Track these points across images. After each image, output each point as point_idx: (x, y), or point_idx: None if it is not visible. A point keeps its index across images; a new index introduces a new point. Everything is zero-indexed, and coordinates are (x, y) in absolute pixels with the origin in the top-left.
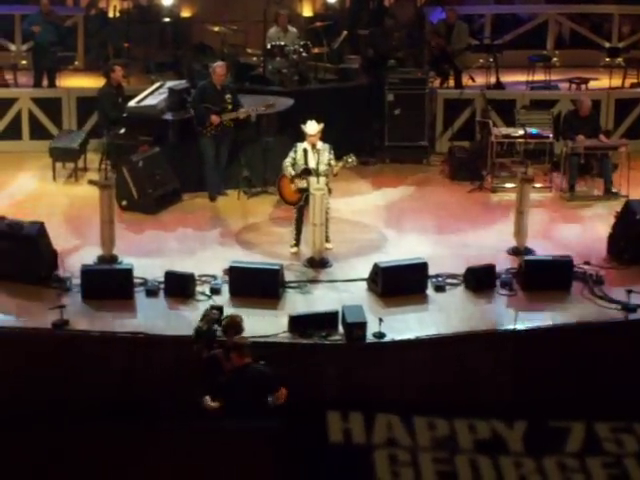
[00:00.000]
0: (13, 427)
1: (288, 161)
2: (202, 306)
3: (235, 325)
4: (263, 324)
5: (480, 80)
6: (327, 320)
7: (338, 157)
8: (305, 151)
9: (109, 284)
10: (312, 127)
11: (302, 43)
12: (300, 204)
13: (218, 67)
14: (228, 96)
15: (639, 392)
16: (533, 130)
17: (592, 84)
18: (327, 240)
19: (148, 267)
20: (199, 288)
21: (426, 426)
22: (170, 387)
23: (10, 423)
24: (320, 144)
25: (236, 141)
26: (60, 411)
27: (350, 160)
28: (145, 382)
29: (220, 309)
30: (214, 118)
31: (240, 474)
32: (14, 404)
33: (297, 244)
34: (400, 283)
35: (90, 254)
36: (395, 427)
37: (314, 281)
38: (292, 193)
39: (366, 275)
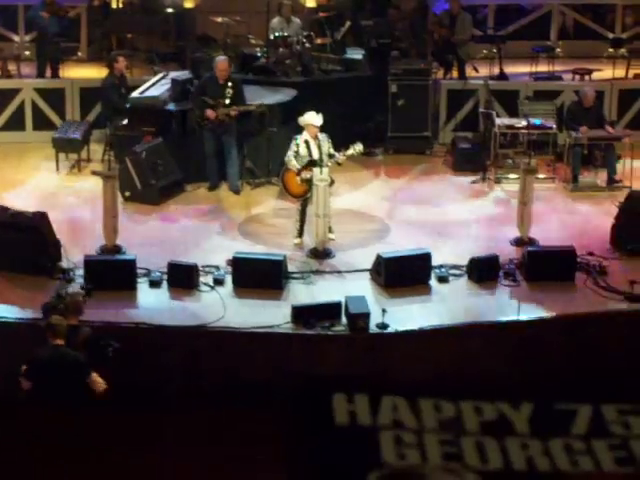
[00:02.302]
0: (19, 417)
1: (290, 154)
2: (205, 297)
3: (73, 305)
4: (266, 315)
5: (483, 71)
6: (330, 311)
7: (340, 148)
8: (307, 142)
9: (112, 275)
10: (317, 118)
11: (305, 34)
12: (307, 196)
13: (220, 62)
14: (229, 91)
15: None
16: (536, 121)
17: (596, 75)
18: (330, 231)
19: (151, 258)
20: (202, 279)
21: (432, 408)
22: (173, 377)
23: (15, 413)
24: (319, 134)
25: (239, 132)
26: (62, 400)
27: (358, 149)
28: (148, 372)
29: (88, 290)
30: (209, 112)
31: (246, 457)
32: (18, 394)
33: (300, 235)
34: (403, 274)
35: (93, 245)
36: (401, 409)
37: (317, 272)
38: (298, 186)
39: (369, 266)
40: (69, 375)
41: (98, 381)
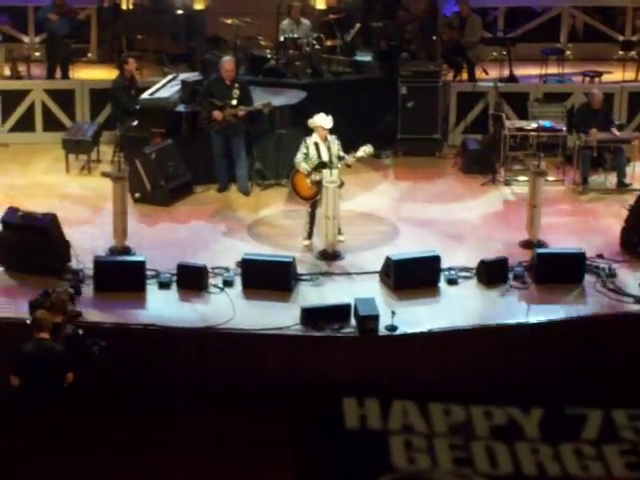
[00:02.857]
0: (25, 415)
1: (300, 157)
2: (214, 298)
3: (58, 302)
4: (275, 316)
5: (493, 73)
6: (339, 313)
7: (350, 149)
8: (316, 144)
9: (122, 276)
10: (327, 120)
11: (315, 36)
12: (316, 198)
13: (226, 63)
14: (236, 92)
15: None
16: (546, 123)
17: (605, 77)
18: (339, 232)
19: (161, 259)
20: (212, 280)
21: (442, 412)
22: (182, 378)
23: (22, 411)
24: (329, 136)
25: (249, 134)
26: (71, 401)
27: (368, 150)
28: (157, 374)
29: (77, 288)
30: (216, 113)
31: (255, 458)
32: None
33: (310, 237)
34: (412, 276)
35: (103, 246)
36: (411, 413)
37: (326, 273)
38: (308, 188)
39: (378, 268)
40: (56, 367)
41: (70, 376)
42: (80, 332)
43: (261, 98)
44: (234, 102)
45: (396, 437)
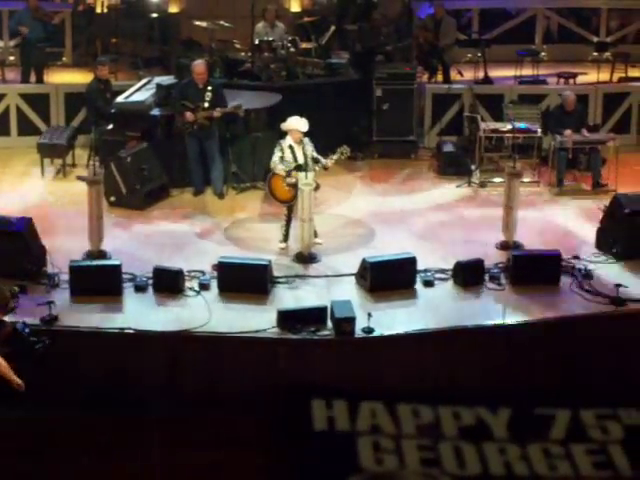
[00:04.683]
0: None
1: (276, 160)
2: (191, 301)
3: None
4: (252, 319)
5: (468, 75)
6: (316, 315)
7: (326, 152)
8: (291, 147)
9: (98, 280)
10: (302, 123)
11: (290, 38)
12: (294, 202)
13: (197, 66)
14: (208, 94)
15: (623, 380)
16: (521, 125)
17: (580, 79)
18: (315, 235)
19: (136, 263)
20: (188, 284)
21: (410, 413)
22: (159, 382)
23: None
24: (303, 138)
25: (224, 137)
26: (48, 406)
27: (345, 152)
28: (134, 377)
29: (22, 287)
30: (188, 115)
31: (228, 462)
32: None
33: (286, 239)
34: (389, 278)
35: (78, 250)
36: (379, 414)
37: (303, 276)
38: (285, 191)
39: (355, 270)
40: None
41: None
42: (26, 330)
43: (236, 100)
44: (206, 105)
45: (364, 438)
